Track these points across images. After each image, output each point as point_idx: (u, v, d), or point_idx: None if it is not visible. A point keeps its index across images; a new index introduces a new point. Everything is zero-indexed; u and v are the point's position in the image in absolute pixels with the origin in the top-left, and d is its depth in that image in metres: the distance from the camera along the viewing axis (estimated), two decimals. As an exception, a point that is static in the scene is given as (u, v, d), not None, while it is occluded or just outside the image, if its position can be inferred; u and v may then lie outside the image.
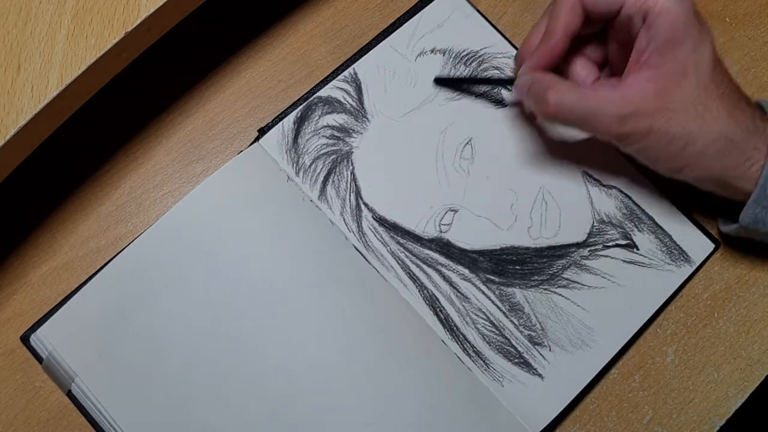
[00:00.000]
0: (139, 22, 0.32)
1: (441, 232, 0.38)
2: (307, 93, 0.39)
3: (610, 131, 0.33)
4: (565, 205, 0.39)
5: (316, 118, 0.39)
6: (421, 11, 0.41)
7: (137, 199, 0.38)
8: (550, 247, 0.38)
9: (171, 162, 0.39)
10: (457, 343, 0.37)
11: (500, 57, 0.41)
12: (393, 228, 0.38)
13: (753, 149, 0.33)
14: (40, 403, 0.35)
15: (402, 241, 0.38)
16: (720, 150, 0.33)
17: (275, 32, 0.41)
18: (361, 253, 0.37)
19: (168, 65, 0.39)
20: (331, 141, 0.39)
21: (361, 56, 0.40)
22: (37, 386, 0.35)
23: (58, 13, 0.31)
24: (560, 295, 0.38)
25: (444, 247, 0.38)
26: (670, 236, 0.39)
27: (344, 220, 0.38)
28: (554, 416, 0.36)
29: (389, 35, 0.40)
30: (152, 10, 0.32)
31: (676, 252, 0.38)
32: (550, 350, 0.37)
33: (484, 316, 0.37)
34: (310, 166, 0.38)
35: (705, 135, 0.32)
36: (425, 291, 0.37)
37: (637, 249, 0.38)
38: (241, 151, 0.38)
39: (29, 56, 0.31)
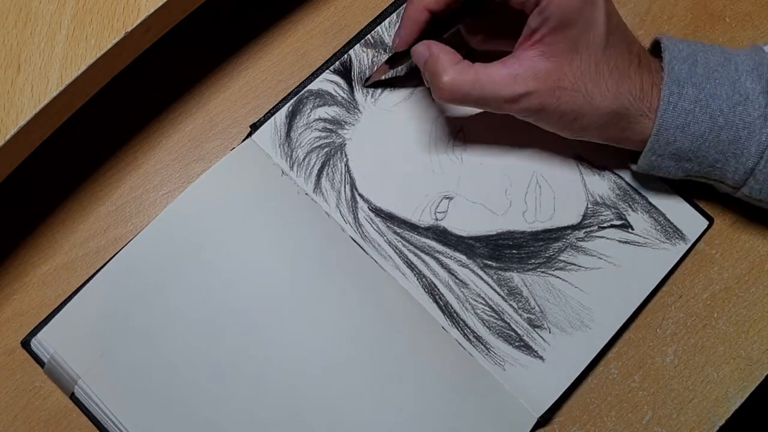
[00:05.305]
0: (139, 22, 0.32)
1: (437, 219, 0.38)
2: (297, 87, 0.39)
3: (503, 110, 0.35)
4: (559, 188, 0.39)
5: (308, 111, 0.39)
6: None
7: (137, 199, 0.38)
8: (545, 230, 0.38)
9: (171, 162, 0.39)
10: (457, 329, 0.36)
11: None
12: (389, 218, 0.38)
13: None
14: (40, 403, 0.35)
15: (399, 230, 0.38)
16: (607, 122, 0.35)
17: (275, 32, 0.41)
18: (358, 244, 0.37)
19: (168, 65, 0.40)
20: (323, 134, 0.39)
21: (350, 48, 0.40)
22: (37, 386, 0.35)
23: (58, 14, 0.32)
24: (558, 277, 0.38)
25: (441, 234, 0.38)
26: (663, 215, 0.39)
27: (340, 212, 0.38)
28: (557, 397, 0.35)
29: (379, 25, 0.40)
30: (152, 11, 0.32)
31: (670, 230, 0.39)
32: (549, 332, 0.37)
33: (483, 302, 0.37)
34: (303, 159, 0.38)
35: (593, 111, 0.34)
36: (424, 279, 0.37)
37: (632, 229, 0.38)
38: (233, 148, 0.38)
39: (29, 56, 0.31)
